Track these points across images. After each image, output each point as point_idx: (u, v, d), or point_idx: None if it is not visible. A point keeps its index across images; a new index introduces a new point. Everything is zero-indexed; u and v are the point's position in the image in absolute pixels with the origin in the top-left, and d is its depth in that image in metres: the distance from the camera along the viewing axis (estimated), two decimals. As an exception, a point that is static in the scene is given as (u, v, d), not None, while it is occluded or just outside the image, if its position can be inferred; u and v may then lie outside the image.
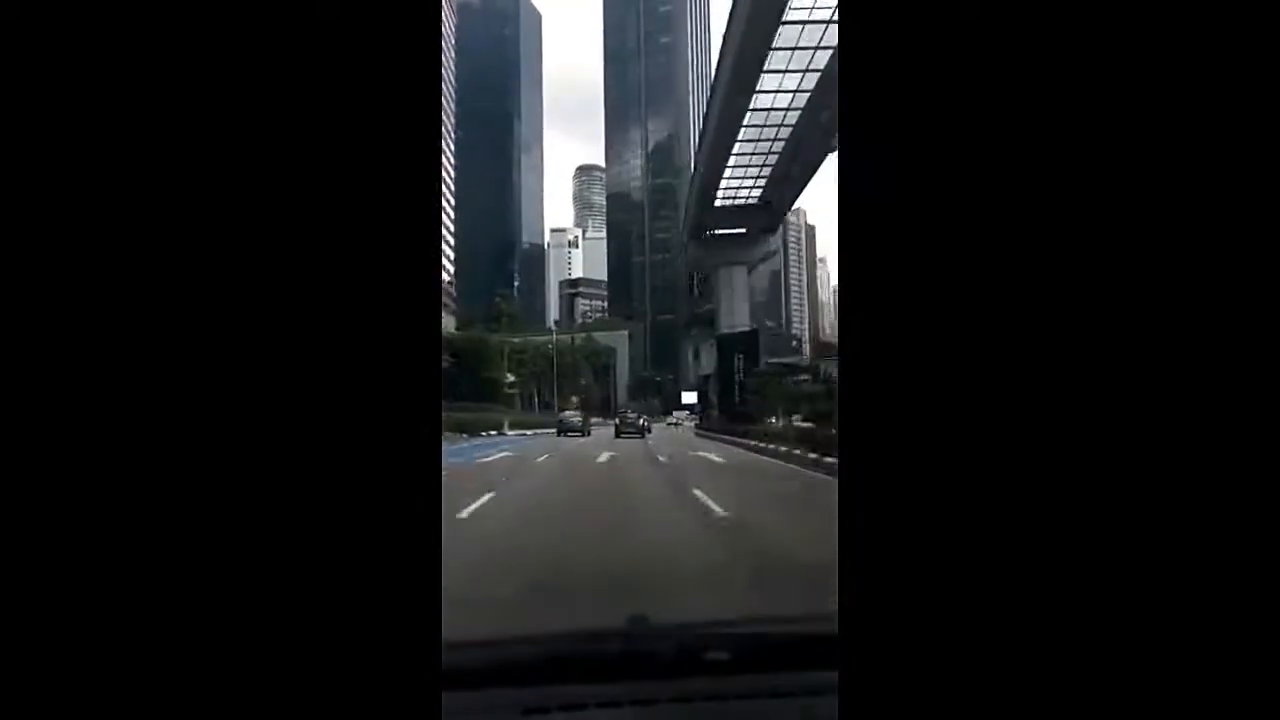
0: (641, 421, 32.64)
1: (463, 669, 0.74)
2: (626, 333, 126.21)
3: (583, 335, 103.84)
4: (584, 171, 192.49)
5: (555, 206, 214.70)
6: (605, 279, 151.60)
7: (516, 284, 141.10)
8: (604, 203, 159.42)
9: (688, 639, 1.16)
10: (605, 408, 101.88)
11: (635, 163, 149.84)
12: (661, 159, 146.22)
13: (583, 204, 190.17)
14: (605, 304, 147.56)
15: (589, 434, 31.88)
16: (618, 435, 28.80)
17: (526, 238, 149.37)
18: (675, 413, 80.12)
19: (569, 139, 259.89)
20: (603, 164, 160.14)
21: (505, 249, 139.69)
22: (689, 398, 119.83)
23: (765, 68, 21.81)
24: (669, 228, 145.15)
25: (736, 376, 28.77)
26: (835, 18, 17.54)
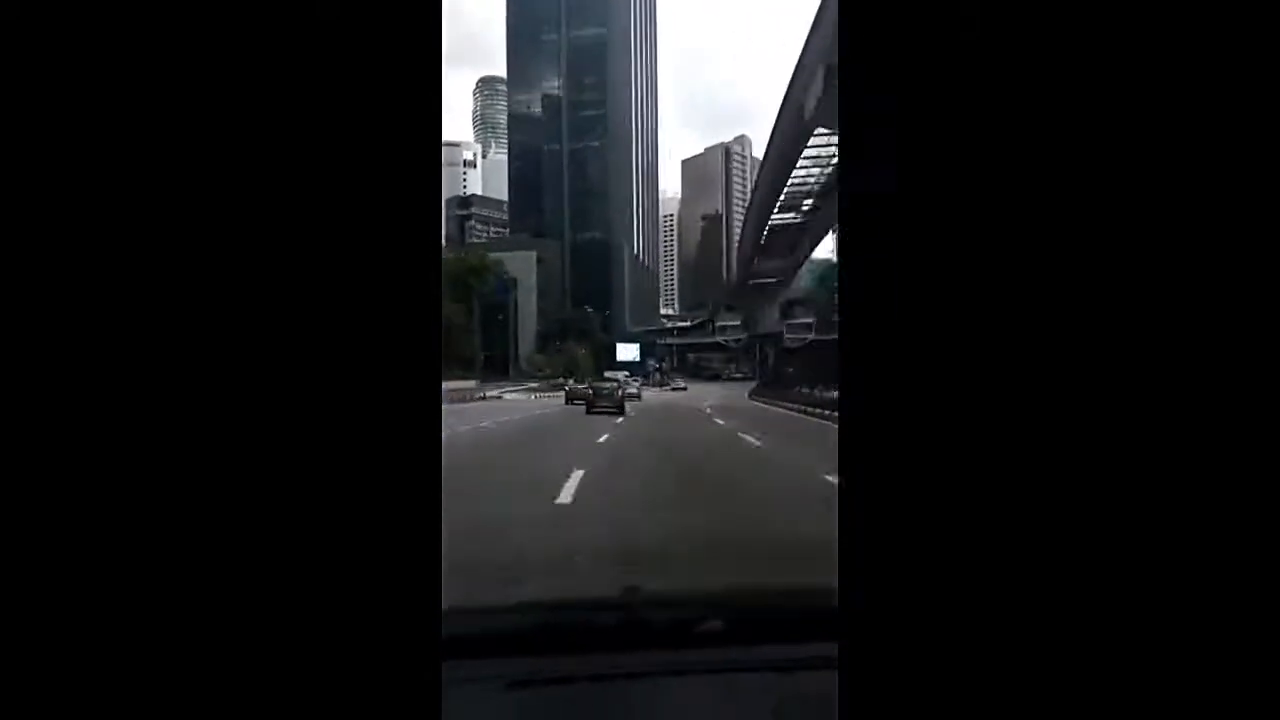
0: (620, 393, 24.57)
1: (451, 638, 0.74)
2: (534, 254, 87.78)
3: (458, 254, 67.41)
4: (486, 85, 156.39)
5: (454, 126, 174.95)
6: (506, 200, 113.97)
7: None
8: (507, 122, 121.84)
9: (682, 610, 1.14)
10: (502, 368, 67.78)
11: (547, 36, 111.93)
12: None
13: (486, 124, 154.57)
14: (507, 229, 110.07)
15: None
16: (589, 410, 22.42)
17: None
18: (608, 373, 49.67)
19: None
20: (504, 74, 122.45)
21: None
22: (627, 352, 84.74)
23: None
24: (598, 101, 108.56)
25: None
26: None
